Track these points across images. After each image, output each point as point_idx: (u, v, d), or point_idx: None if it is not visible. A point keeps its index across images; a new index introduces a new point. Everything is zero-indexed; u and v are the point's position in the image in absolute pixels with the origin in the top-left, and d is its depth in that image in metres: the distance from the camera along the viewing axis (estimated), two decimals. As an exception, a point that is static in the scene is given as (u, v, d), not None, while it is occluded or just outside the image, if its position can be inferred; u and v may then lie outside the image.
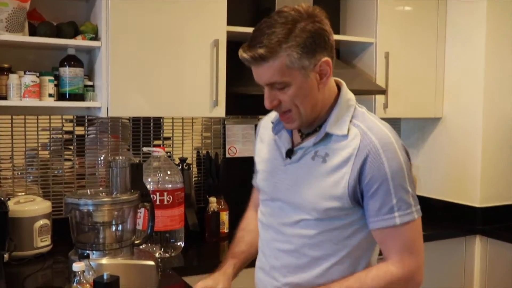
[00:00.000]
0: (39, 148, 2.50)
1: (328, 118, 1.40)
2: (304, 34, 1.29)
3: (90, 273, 1.57)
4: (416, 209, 1.37)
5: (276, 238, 1.49)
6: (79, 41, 2.27)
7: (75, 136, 2.57)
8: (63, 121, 2.54)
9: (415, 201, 1.38)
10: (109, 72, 2.27)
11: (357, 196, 1.37)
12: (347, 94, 1.45)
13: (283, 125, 1.47)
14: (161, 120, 2.75)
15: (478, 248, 2.92)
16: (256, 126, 1.92)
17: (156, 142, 2.73)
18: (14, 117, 2.44)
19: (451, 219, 3.04)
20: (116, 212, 1.75)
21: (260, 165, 1.59)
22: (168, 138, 2.77)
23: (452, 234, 2.90)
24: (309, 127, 1.44)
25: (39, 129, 2.49)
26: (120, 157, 1.76)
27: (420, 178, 3.29)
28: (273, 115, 1.55)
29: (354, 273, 1.41)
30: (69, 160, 2.55)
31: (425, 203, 3.15)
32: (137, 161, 1.84)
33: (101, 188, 1.96)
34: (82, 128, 2.59)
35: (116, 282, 1.40)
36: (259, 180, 1.58)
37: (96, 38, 2.32)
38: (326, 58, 1.34)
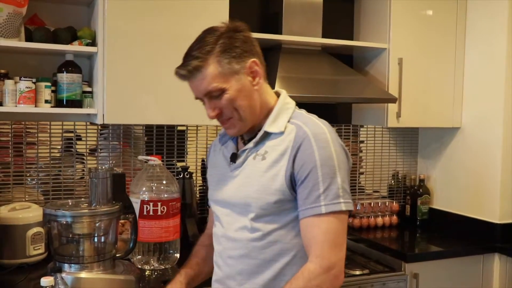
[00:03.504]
0: (39, 155, 2.48)
1: (266, 120, 1.47)
2: (231, 41, 1.40)
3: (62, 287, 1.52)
4: (344, 201, 1.37)
5: (227, 247, 1.51)
6: (75, 47, 2.23)
7: (75, 143, 2.54)
8: (75, 127, 2.54)
9: (345, 194, 1.38)
10: (105, 78, 2.22)
11: (295, 187, 1.40)
12: (286, 99, 1.52)
13: (229, 136, 1.57)
14: (175, 128, 2.71)
15: (497, 267, 2.74)
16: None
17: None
18: (17, 123, 2.43)
19: (467, 235, 2.87)
20: (96, 224, 1.69)
21: (209, 177, 1.64)
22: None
23: (469, 251, 2.72)
24: (251, 132, 1.50)
25: (39, 135, 2.48)
26: (102, 167, 1.70)
27: (436, 190, 3.14)
28: (221, 132, 1.64)
29: None
30: (71, 166, 2.53)
31: (441, 217, 3.09)
32: (120, 171, 1.77)
33: (82, 199, 1.90)
34: (92, 134, 2.57)
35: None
36: (209, 191, 1.62)
37: (93, 43, 2.28)
38: (253, 59, 1.43)
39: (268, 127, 1.46)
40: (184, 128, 2.74)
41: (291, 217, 1.42)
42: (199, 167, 2.77)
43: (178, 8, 2.32)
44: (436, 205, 3.13)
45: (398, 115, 2.77)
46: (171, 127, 2.71)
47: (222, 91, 1.39)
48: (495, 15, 2.77)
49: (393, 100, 2.68)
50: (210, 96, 1.41)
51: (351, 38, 3.03)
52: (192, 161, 2.76)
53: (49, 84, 2.24)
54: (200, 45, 1.40)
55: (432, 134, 3.17)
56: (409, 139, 3.29)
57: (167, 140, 2.71)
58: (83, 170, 2.55)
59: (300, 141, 1.39)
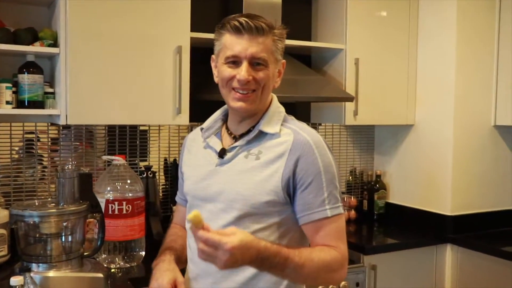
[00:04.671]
0: (-1, 156, 2.46)
1: (260, 120, 1.51)
2: (282, 35, 1.50)
3: (31, 287, 1.53)
4: (342, 204, 1.48)
5: None
6: (36, 48, 2.22)
7: (36, 144, 2.53)
8: (36, 128, 2.51)
9: (341, 197, 1.48)
10: (67, 79, 2.23)
11: (290, 191, 1.44)
12: (277, 103, 1.57)
13: (213, 131, 1.58)
14: (137, 128, 2.72)
15: (449, 257, 2.88)
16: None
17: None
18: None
19: (422, 228, 3.01)
20: (64, 223, 1.71)
21: (188, 172, 1.61)
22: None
23: (423, 243, 2.86)
24: (242, 127, 1.53)
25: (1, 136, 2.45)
26: (69, 167, 1.72)
27: (392, 185, 3.26)
28: (200, 127, 1.63)
29: None
30: (32, 167, 2.51)
31: (397, 210, 3.22)
32: (87, 171, 1.80)
33: (49, 199, 1.91)
34: (53, 135, 2.55)
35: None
36: (188, 186, 1.59)
37: (55, 44, 2.28)
38: (284, 61, 1.54)
39: (263, 127, 1.49)
40: (147, 128, 2.77)
41: (274, 220, 1.45)
42: (161, 167, 2.80)
43: (140, 8, 2.34)
44: (392, 200, 3.26)
45: (355, 113, 2.87)
46: (134, 127, 2.73)
47: (265, 66, 1.45)
48: (444, 12, 2.90)
49: (350, 99, 2.78)
50: (251, 63, 1.44)
51: (309, 39, 3.12)
52: (154, 161, 2.78)
53: (10, 85, 2.23)
54: (264, 19, 1.45)
55: (388, 131, 3.29)
56: (366, 136, 3.41)
57: (129, 140, 2.73)
58: (43, 171, 2.54)
59: (300, 147, 1.44)
